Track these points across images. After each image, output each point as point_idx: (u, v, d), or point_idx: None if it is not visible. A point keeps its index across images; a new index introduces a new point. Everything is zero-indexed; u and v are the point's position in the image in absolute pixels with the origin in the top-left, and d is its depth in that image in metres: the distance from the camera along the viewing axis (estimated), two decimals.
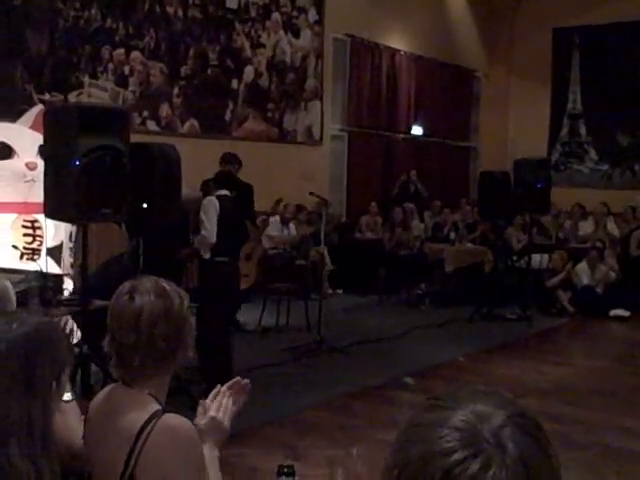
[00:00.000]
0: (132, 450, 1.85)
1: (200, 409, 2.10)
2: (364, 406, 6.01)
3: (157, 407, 1.91)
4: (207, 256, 6.04)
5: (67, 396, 2.08)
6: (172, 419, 1.88)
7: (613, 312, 10.16)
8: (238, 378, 2.15)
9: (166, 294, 1.95)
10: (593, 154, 15.23)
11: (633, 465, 4.81)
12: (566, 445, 5.20)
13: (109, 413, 1.98)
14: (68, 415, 2.08)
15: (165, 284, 1.98)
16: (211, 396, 2.11)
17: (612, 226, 11.97)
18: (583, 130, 15.30)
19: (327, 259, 10.42)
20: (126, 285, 1.97)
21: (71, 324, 4.15)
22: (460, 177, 15.30)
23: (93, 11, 8.95)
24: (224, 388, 2.12)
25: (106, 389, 2.09)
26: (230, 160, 7.88)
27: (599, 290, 10.40)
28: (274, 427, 5.50)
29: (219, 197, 6.13)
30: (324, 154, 12.37)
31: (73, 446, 2.04)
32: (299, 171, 11.33)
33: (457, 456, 0.86)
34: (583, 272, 10.50)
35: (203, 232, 5.96)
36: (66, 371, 1.67)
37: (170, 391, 2.07)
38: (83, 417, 2.10)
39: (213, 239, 5.98)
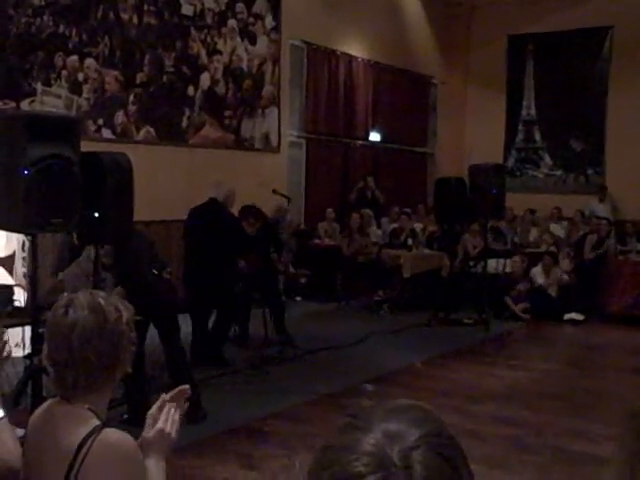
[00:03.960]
0: (71, 467, 1.82)
1: (148, 421, 2.07)
2: (321, 414, 5.98)
3: (97, 422, 1.88)
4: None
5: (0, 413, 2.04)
6: (112, 434, 1.85)
7: (567, 316, 10.31)
8: (179, 387, 2.13)
9: (101, 309, 1.91)
10: (547, 160, 15.42)
11: (585, 468, 4.87)
12: (520, 448, 5.26)
13: (47, 429, 1.94)
14: (2, 434, 2.03)
15: (101, 299, 1.94)
16: (156, 407, 2.08)
17: (555, 227, 12.14)
18: (537, 136, 15.49)
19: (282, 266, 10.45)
20: (63, 299, 1.94)
21: (6, 336, 4.08)
22: (417, 183, 15.38)
23: (45, 17, 8.83)
24: (167, 397, 2.09)
25: (45, 405, 2.05)
26: None
27: (553, 294, 10.53)
28: (230, 437, 5.46)
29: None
30: (282, 161, 12.35)
31: (13, 466, 1.98)
32: (257, 178, 11.31)
33: None
34: (538, 275, 10.63)
35: None
36: None
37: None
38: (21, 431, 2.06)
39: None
